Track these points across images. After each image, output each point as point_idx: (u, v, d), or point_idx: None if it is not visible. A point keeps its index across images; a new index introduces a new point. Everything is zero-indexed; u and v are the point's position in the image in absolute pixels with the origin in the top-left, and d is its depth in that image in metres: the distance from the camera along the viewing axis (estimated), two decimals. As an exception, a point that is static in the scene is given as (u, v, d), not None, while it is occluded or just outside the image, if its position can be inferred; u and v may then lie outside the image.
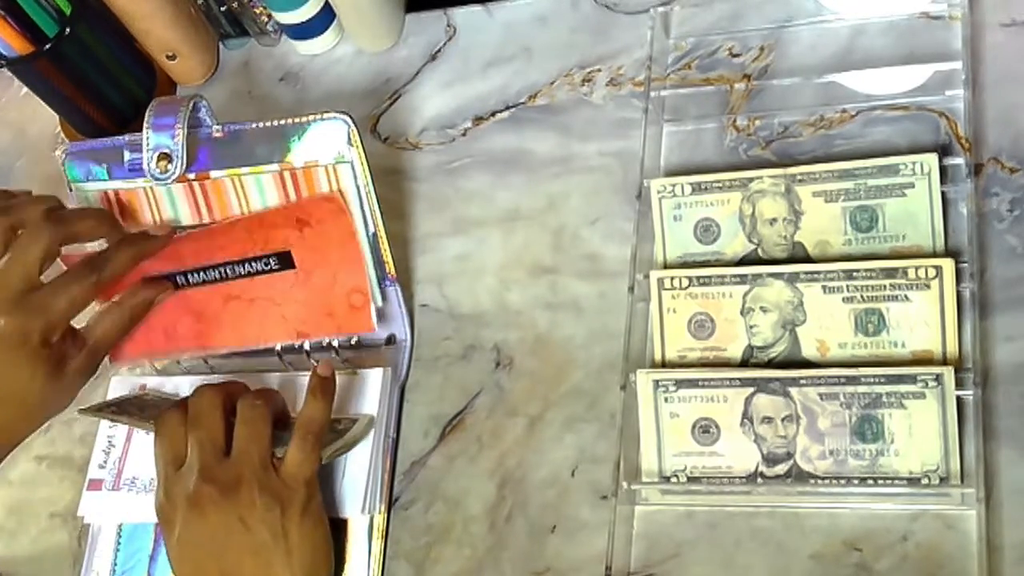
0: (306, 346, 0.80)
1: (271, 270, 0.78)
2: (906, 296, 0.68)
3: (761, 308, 0.71)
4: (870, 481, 0.67)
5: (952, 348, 0.68)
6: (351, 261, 0.77)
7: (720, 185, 0.74)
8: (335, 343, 0.80)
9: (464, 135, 0.88)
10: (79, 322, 0.76)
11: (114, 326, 0.78)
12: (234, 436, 0.71)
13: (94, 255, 0.75)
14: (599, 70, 0.86)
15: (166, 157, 0.78)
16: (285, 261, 0.78)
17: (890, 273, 0.69)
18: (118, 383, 0.83)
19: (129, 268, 0.77)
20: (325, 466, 0.75)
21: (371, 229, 0.78)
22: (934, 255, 0.70)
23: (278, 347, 0.80)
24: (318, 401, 0.73)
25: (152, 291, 0.80)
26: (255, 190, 0.78)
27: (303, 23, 0.92)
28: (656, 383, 0.71)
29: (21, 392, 0.72)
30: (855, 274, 0.69)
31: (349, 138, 0.76)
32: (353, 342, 0.81)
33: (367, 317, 0.77)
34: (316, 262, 0.77)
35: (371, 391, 0.77)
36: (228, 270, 0.79)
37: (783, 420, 0.68)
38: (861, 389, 0.67)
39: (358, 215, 0.77)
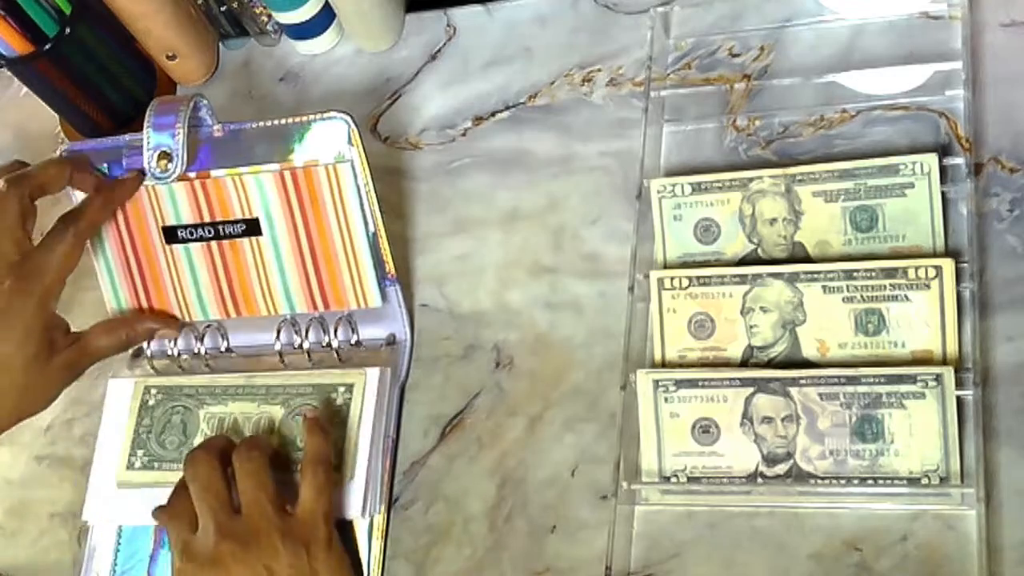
0: (306, 346, 0.80)
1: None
2: (906, 296, 0.68)
3: (761, 308, 0.71)
4: (870, 481, 0.67)
5: (952, 348, 0.68)
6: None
7: (720, 185, 0.74)
8: (335, 343, 0.80)
9: (464, 135, 0.88)
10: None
11: (110, 338, 0.79)
12: (239, 491, 0.70)
13: (67, 212, 0.76)
14: (599, 70, 0.86)
15: (166, 156, 0.78)
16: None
17: (890, 273, 0.69)
18: (116, 385, 0.83)
19: (104, 216, 0.78)
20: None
21: (371, 229, 0.78)
22: (934, 255, 0.70)
23: (278, 347, 0.80)
24: (317, 436, 0.73)
25: (158, 324, 0.81)
26: (255, 189, 0.78)
27: (303, 23, 0.92)
28: (656, 383, 0.71)
29: (5, 364, 0.72)
30: (855, 274, 0.69)
31: (349, 138, 0.76)
32: (353, 342, 0.81)
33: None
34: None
35: (371, 391, 0.77)
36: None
37: (783, 420, 0.68)
38: (861, 389, 0.67)
39: (358, 215, 0.77)
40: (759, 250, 0.74)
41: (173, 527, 0.71)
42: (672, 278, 0.73)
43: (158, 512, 0.73)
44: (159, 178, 0.78)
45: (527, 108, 0.87)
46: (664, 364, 0.73)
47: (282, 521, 0.69)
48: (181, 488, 0.72)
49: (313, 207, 0.78)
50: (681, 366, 0.73)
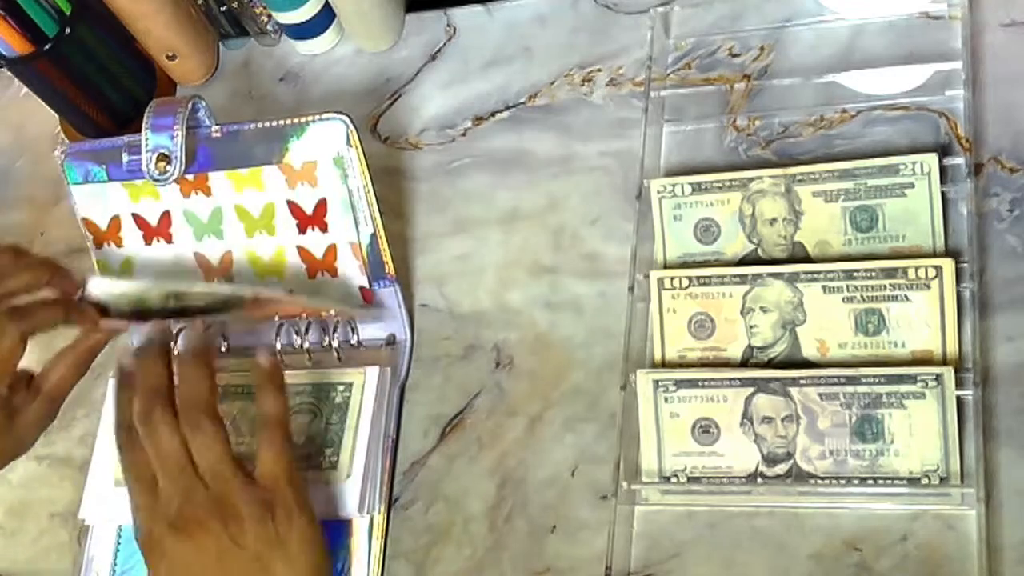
0: (305, 346, 0.80)
1: None
2: (906, 296, 0.68)
3: (761, 308, 0.71)
4: (870, 481, 0.66)
5: (952, 348, 0.68)
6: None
7: (720, 185, 0.74)
8: (335, 343, 0.80)
9: (464, 135, 0.88)
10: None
11: (69, 371, 0.77)
12: (197, 462, 0.68)
13: (21, 306, 0.73)
14: (599, 70, 0.86)
15: (165, 158, 0.78)
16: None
17: (890, 273, 0.69)
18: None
19: (47, 323, 0.75)
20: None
21: (370, 229, 0.78)
22: (934, 255, 0.70)
23: (278, 347, 0.80)
24: (269, 394, 0.70)
25: (106, 333, 0.78)
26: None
27: (303, 23, 0.92)
28: (656, 383, 0.71)
29: None
30: (855, 274, 0.69)
31: (348, 139, 0.76)
32: (353, 342, 0.81)
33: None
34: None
35: (370, 390, 0.77)
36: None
37: (783, 420, 0.68)
38: (861, 389, 0.67)
39: (349, 218, 0.77)
40: (759, 250, 0.74)
41: (136, 488, 0.69)
42: (672, 278, 0.73)
43: (122, 453, 0.70)
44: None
45: (527, 108, 0.87)
46: (664, 364, 0.73)
47: (245, 486, 0.67)
48: (139, 446, 0.69)
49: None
50: (681, 366, 0.73)
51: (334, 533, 0.75)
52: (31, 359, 0.75)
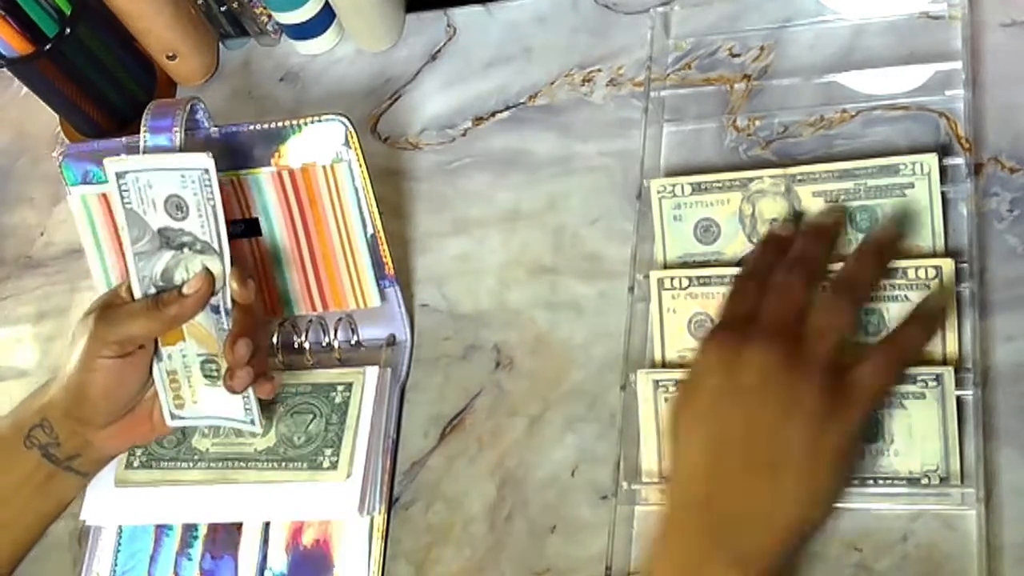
0: (305, 346, 0.80)
1: None
2: (906, 296, 0.68)
3: (761, 308, 0.71)
4: (870, 481, 0.66)
5: (952, 348, 0.68)
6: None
7: (720, 185, 0.74)
8: (335, 343, 0.80)
9: (464, 135, 0.88)
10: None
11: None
12: (811, 312, 0.61)
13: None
14: (599, 70, 0.86)
15: (163, 160, 0.78)
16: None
17: (890, 273, 0.69)
18: None
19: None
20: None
21: (369, 230, 0.78)
22: (934, 255, 0.70)
23: (277, 346, 0.80)
24: (918, 329, 0.63)
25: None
26: (254, 189, 0.78)
27: (303, 23, 0.92)
28: (656, 383, 0.71)
29: None
30: (855, 274, 0.69)
31: (346, 139, 0.76)
32: (353, 342, 0.81)
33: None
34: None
35: (369, 389, 0.77)
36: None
37: (783, 420, 0.68)
38: (861, 389, 0.67)
39: (356, 215, 0.77)
40: (759, 250, 0.74)
41: (730, 303, 0.64)
42: (672, 278, 0.73)
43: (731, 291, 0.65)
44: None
45: (527, 108, 0.87)
46: (664, 364, 0.73)
47: (830, 371, 0.59)
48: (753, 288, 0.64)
49: (311, 207, 0.78)
50: (681, 366, 0.73)
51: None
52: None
